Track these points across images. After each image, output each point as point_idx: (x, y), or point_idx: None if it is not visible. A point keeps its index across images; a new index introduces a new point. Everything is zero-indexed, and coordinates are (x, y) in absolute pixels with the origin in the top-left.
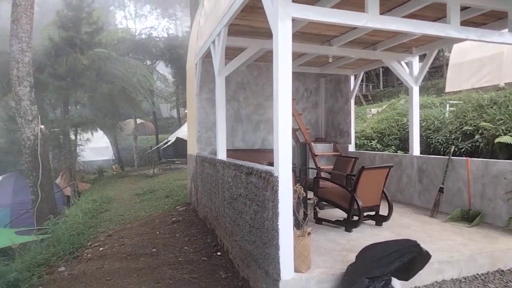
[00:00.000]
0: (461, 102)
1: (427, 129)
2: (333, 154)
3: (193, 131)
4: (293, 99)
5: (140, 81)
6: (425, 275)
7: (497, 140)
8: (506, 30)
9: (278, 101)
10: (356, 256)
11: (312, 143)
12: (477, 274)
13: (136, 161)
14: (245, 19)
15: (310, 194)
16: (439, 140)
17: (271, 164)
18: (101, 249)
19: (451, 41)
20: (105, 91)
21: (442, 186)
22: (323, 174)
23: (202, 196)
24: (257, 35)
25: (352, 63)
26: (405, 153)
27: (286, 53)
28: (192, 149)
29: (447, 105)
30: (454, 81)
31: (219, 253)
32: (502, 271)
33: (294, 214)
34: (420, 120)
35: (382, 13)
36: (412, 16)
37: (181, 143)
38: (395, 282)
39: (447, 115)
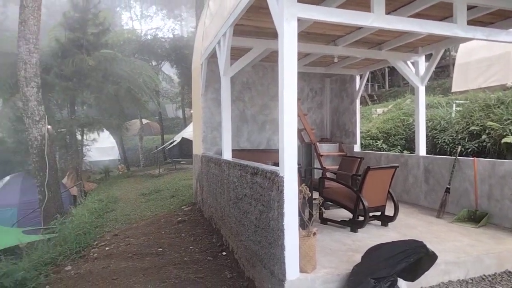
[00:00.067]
0: (467, 102)
1: (433, 129)
2: (339, 154)
3: (198, 131)
4: (298, 99)
5: (146, 82)
6: (431, 276)
7: (504, 140)
8: None
9: (283, 101)
10: (362, 256)
11: (317, 143)
12: (484, 275)
13: (141, 161)
14: (251, 20)
15: (316, 194)
16: (446, 140)
17: (276, 164)
18: (107, 248)
19: (457, 41)
20: (111, 92)
21: (448, 186)
22: (328, 174)
23: (207, 196)
24: (263, 35)
25: (358, 63)
26: (411, 153)
27: (292, 53)
28: (198, 149)
29: (454, 105)
30: (460, 81)
31: (224, 253)
32: (510, 272)
33: (300, 214)
34: (426, 120)
35: (388, 13)
36: (418, 15)
37: (186, 143)
38: (401, 283)
39: (453, 115)
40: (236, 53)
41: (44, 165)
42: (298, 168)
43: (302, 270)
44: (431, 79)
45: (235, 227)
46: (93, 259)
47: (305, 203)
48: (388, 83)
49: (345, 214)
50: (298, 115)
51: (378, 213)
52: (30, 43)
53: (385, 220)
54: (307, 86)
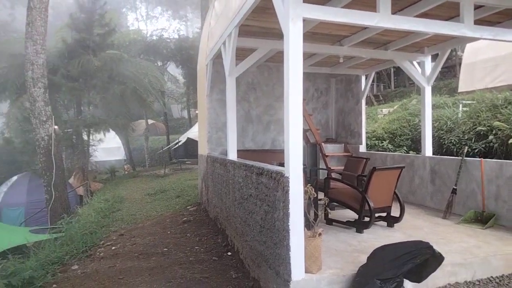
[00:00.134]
0: (474, 102)
1: (439, 129)
2: (344, 154)
3: (203, 132)
4: (303, 100)
5: (151, 82)
6: (437, 277)
7: (511, 140)
8: None
9: (288, 102)
10: (368, 257)
11: (322, 144)
12: (491, 277)
13: (147, 161)
14: (256, 20)
15: (321, 195)
16: (452, 141)
17: (282, 164)
18: (113, 248)
19: (464, 41)
20: (117, 92)
21: (455, 187)
22: (333, 175)
23: (212, 196)
24: (268, 36)
25: (363, 63)
26: (417, 153)
27: (297, 53)
28: (203, 150)
29: (460, 105)
30: (467, 81)
31: (229, 253)
32: None
33: (305, 215)
34: (432, 121)
35: (394, 13)
36: (424, 15)
37: (191, 144)
38: (407, 284)
39: (460, 115)
40: (241, 54)
41: (51, 165)
42: (304, 169)
43: (307, 271)
44: (437, 79)
45: (240, 227)
46: (100, 259)
47: (311, 203)
48: (394, 83)
49: (351, 215)
50: (303, 116)
51: (384, 214)
52: (37, 44)
53: (391, 221)
54: (313, 86)
